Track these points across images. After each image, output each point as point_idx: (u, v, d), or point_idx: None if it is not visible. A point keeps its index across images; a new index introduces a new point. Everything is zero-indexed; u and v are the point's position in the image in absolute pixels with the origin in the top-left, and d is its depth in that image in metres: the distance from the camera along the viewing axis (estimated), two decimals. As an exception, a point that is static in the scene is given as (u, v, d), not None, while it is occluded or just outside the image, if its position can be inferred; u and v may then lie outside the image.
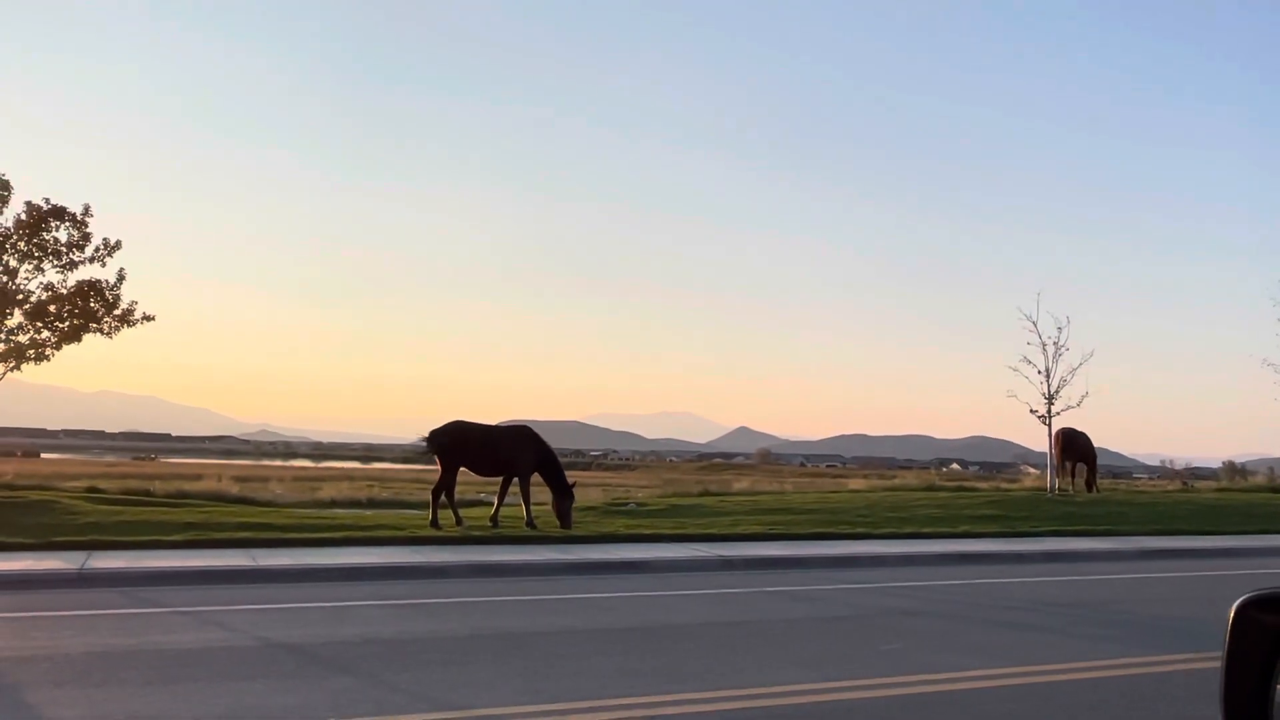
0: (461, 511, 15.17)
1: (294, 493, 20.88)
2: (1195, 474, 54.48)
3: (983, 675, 6.85)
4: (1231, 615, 1.65)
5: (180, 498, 17.48)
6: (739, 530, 15.66)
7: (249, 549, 12.31)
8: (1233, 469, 44.11)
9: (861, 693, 6.32)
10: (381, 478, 38.65)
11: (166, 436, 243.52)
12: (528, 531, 14.57)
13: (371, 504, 20.65)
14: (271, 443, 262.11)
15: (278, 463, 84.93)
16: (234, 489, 19.19)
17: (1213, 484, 34.69)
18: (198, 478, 23.89)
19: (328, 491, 22.01)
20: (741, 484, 26.19)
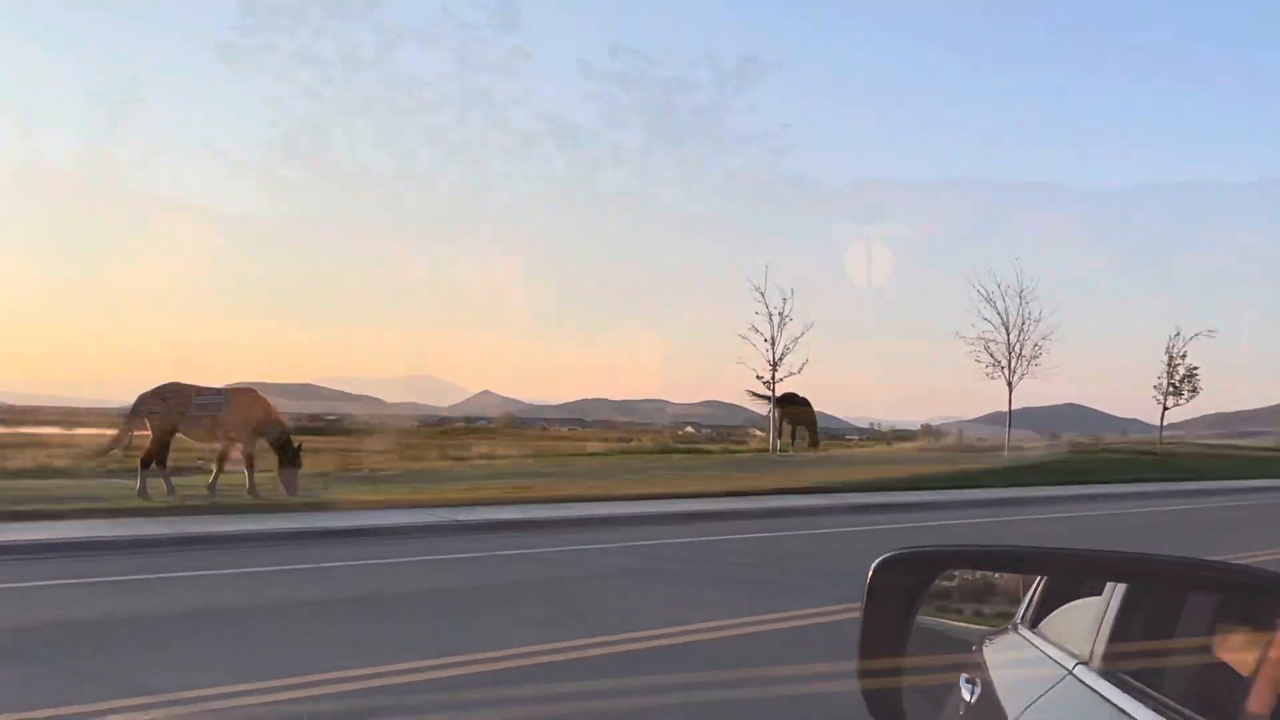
0: (176, 480, 14.12)
1: (-25, 462, 18.58)
2: (898, 435, 59.82)
3: (702, 628, 7.15)
4: (870, 573, 1.79)
5: None
6: (474, 495, 15.54)
7: (-86, 526, 10.83)
8: (929, 430, 48.77)
9: (587, 651, 6.42)
10: (85, 444, 35.19)
11: None
12: (250, 500, 13.76)
13: (71, 474, 18.76)
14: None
15: (-41, 429, 75.23)
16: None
17: (912, 444, 38.27)
18: None
19: (19, 461, 19.79)
20: (481, 449, 26.06)
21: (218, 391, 14.99)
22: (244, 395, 14.92)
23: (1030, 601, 2.25)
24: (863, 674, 1.75)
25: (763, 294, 24.17)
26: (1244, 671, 1.52)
